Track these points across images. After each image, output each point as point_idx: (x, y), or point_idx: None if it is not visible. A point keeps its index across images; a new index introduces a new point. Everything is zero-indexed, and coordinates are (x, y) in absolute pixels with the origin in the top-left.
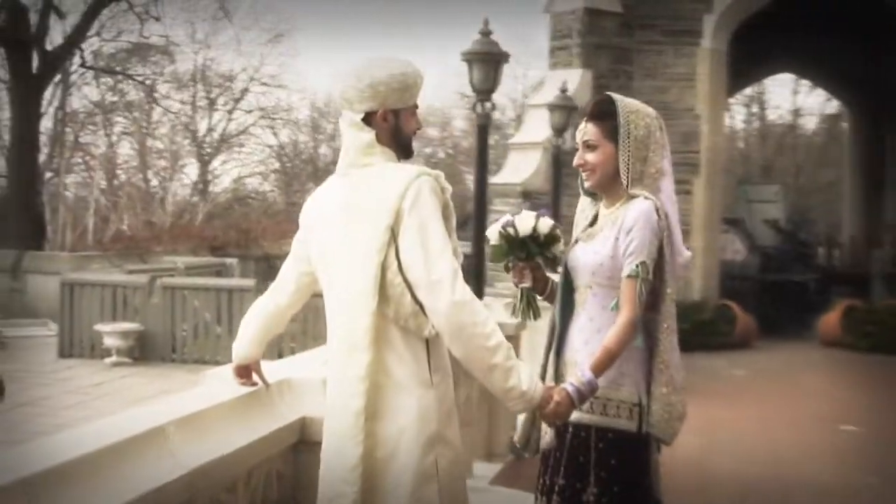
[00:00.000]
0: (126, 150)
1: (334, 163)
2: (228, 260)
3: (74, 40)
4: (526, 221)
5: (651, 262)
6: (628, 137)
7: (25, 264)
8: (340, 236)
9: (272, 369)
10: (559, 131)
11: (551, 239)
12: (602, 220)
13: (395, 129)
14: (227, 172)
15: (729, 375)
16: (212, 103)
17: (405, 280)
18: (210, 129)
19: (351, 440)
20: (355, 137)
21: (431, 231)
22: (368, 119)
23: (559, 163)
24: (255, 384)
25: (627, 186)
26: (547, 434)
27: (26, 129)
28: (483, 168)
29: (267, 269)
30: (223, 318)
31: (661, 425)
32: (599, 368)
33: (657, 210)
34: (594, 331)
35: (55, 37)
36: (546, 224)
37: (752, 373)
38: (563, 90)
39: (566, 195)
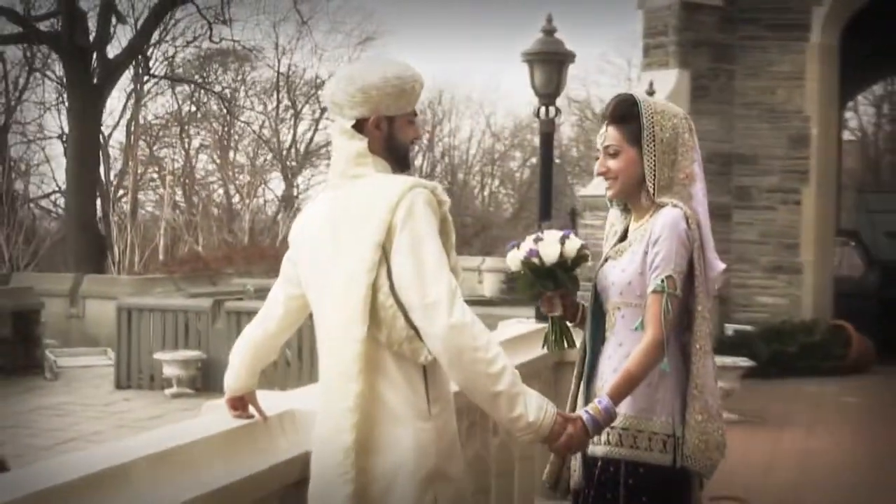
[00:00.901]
0: (205, 163)
1: (429, 175)
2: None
3: (137, 46)
4: (551, 248)
5: (679, 276)
6: (653, 141)
7: (84, 288)
8: (328, 255)
9: (275, 400)
10: (546, 97)
11: (579, 260)
12: (631, 235)
13: (390, 137)
14: (313, 187)
15: (838, 403)
16: (296, 113)
17: (398, 302)
18: (295, 141)
19: (340, 478)
20: (346, 146)
21: (426, 248)
22: (360, 126)
23: (550, 142)
24: (250, 416)
25: (654, 195)
26: (576, 472)
27: (86, 143)
28: (548, 181)
29: None
30: (293, 344)
31: (696, 457)
32: (619, 394)
33: (687, 219)
34: (623, 357)
35: (120, 43)
36: (573, 247)
37: (865, 401)
38: (650, 92)
39: None
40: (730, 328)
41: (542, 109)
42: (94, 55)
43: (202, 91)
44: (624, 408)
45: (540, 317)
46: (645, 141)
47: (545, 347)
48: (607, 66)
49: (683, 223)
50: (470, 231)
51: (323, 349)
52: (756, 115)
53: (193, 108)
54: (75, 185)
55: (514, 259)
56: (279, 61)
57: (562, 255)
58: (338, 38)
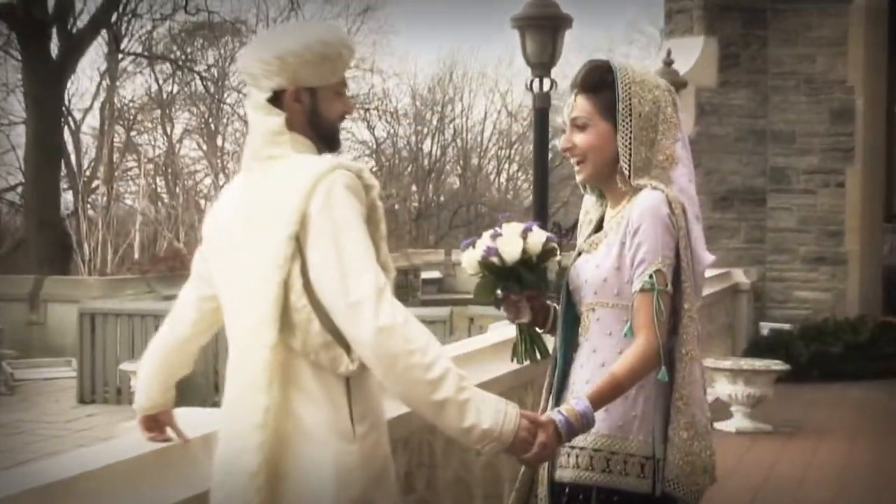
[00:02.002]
0: (189, 150)
1: (440, 160)
2: None
3: (103, 19)
4: (512, 244)
5: (668, 268)
6: (629, 114)
7: (46, 292)
8: (238, 249)
9: (200, 419)
10: (539, 66)
11: (546, 256)
12: (607, 225)
13: (313, 112)
14: None
15: (886, 411)
16: None
17: (312, 302)
18: None
19: None
20: (260, 123)
21: (348, 239)
22: (278, 100)
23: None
24: (167, 439)
25: (630, 177)
26: (542, 501)
27: (46, 129)
28: (544, 161)
29: None
30: (222, 353)
31: (680, 481)
32: (600, 400)
33: (669, 202)
34: (598, 366)
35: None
36: (537, 241)
37: None
38: (668, 62)
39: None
40: (765, 327)
41: (536, 82)
42: (54, 29)
43: (184, 70)
44: (596, 425)
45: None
46: (620, 114)
47: (514, 360)
48: (638, 36)
49: (665, 207)
50: (486, 221)
51: (231, 358)
52: (793, 87)
53: (175, 89)
54: (35, 177)
55: (470, 260)
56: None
57: (525, 251)
58: (334, 10)
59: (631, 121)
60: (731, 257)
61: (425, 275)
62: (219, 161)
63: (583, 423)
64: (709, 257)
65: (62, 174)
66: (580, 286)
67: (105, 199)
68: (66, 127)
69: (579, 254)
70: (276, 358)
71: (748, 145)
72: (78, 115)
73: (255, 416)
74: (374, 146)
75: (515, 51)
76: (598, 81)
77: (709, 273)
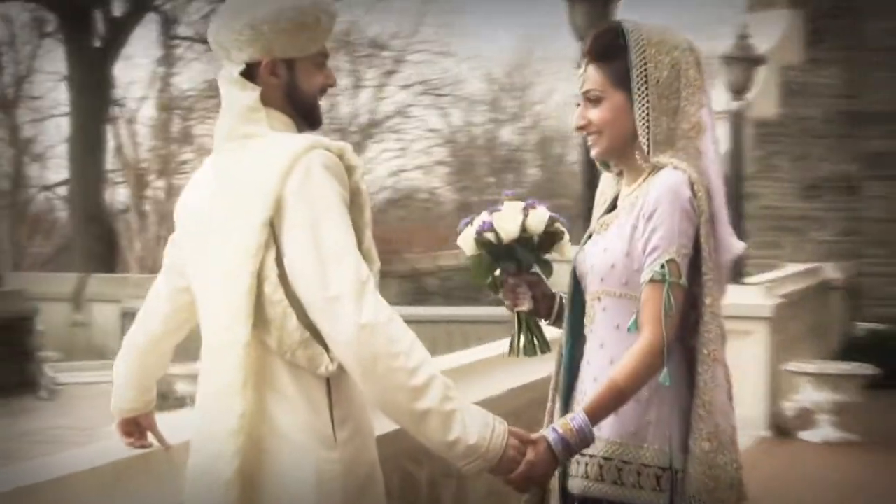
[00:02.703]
0: None
1: (519, 150)
2: None
3: (148, 1)
4: (510, 220)
5: (684, 259)
6: (646, 82)
7: (91, 291)
8: (208, 236)
9: (183, 423)
10: (737, 93)
11: (551, 238)
12: (620, 204)
13: (290, 85)
14: (380, 165)
15: None
16: (357, 78)
17: (289, 296)
18: (356, 111)
19: None
20: (234, 98)
21: (327, 225)
22: (252, 73)
23: (740, 137)
24: (148, 445)
25: (649, 152)
26: None
27: (89, 119)
28: (738, 170)
29: (414, 289)
30: None
31: (702, 497)
32: (599, 411)
33: (692, 184)
34: (606, 363)
35: None
36: (539, 218)
37: None
38: (743, 35)
39: (764, 179)
40: (860, 327)
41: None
42: (98, 13)
43: None
44: (606, 430)
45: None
46: (635, 83)
47: (511, 353)
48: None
49: (687, 189)
50: (570, 215)
51: (202, 357)
52: (889, 64)
53: None
54: (79, 170)
55: (465, 239)
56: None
57: (524, 228)
58: None
59: (647, 89)
60: (820, 251)
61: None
62: None
63: (580, 440)
64: (737, 245)
65: (116, 167)
66: (586, 272)
67: (164, 193)
68: (118, 118)
69: (590, 236)
70: (250, 357)
71: (838, 127)
72: (133, 106)
73: (229, 421)
74: (448, 135)
75: None
76: (609, 48)
77: (793, 269)
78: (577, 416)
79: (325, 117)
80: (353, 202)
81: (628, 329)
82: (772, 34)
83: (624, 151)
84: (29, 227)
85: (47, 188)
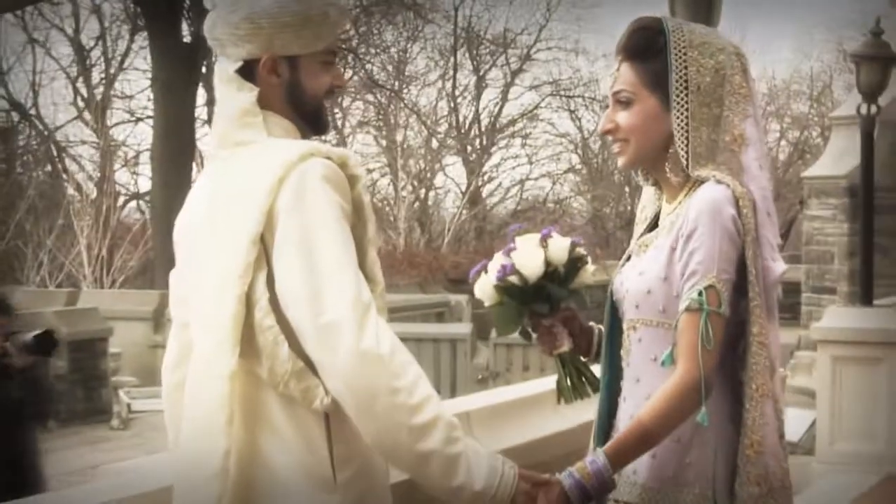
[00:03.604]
0: (364, 146)
1: None
2: (455, 298)
3: None
4: (531, 256)
5: (725, 285)
6: (685, 87)
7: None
8: (201, 258)
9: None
10: (869, 95)
11: (575, 265)
12: (662, 223)
13: (292, 86)
14: (503, 173)
15: None
16: (480, 78)
17: (281, 321)
18: (478, 114)
19: None
20: (229, 100)
21: (323, 243)
22: (250, 71)
23: (871, 144)
24: None
25: (688, 166)
26: None
27: (175, 122)
28: (868, 179)
29: None
30: (430, 375)
31: None
32: (622, 454)
33: (736, 200)
34: (642, 400)
35: None
36: (561, 247)
37: None
38: (876, 32)
39: None
40: None
41: (864, 106)
42: (186, 3)
43: (355, 54)
44: (643, 475)
45: None
46: (673, 87)
47: (560, 401)
48: None
49: (730, 206)
50: None
51: (186, 391)
52: None
53: (349, 74)
54: (163, 177)
55: (484, 288)
56: (456, 11)
57: (548, 261)
58: None
59: (687, 95)
60: None
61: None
62: (399, 159)
63: (598, 485)
64: (780, 267)
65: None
66: (622, 298)
67: None
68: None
69: (628, 258)
70: (236, 389)
71: None
72: None
73: (212, 461)
74: (580, 140)
75: (748, 23)
76: (646, 46)
77: None
78: (598, 458)
79: (443, 120)
80: (356, 217)
81: (662, 363)
82: None
83: (655, 162)
84: (113, 239)
85: (136, 197)
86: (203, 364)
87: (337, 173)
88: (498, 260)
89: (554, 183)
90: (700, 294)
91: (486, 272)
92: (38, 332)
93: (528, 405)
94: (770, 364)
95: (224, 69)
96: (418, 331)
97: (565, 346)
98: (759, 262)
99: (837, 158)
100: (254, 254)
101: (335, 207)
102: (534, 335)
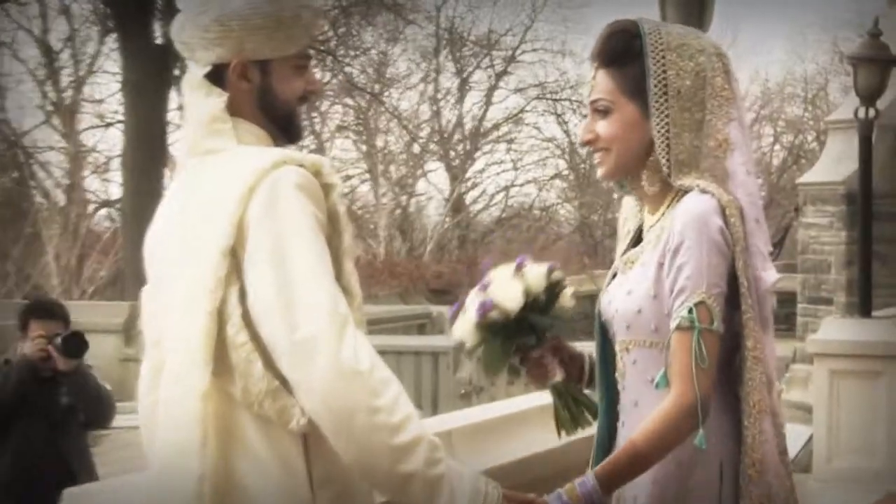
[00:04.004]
0: (343, 151)
1: None
2: (437, 309)
3: None
4: (510, 289)
5: (717, 299)
6: (665, 92)
7: None
8: (170, 269)
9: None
10: (867, 98)
11: (554, 291)
12: (646, 237)
13: (264, 91)
14: (487, 179)
15: None
16: (464, 81)
17: (254, 337)
18: (461, 118)
19: None
20: (198, 106)
21: (297, 254)
22: (220, 76)
23: (869, 148)
24: None
25: (670, 174)
26: None
27: (146, 125)
28: (867, 185)
29: None
30: (411, 390)
31: None
32: (613, 476)
33: (723, 209)
34: (641, 421)
35: None
36: (537, 274)
37: None
38: (875, 33)
39: None
40: None
41: (862, 110)
42: (158, 4)
43: (333, 56)
44: (643, 499)
45: None
46: (652, 92)
47: (561, 433)
48: None
49: (717, 217)
50: None
51: (160, 411)
52: None
53: (327, 77)
54: (134, 185)
55: (465, 330)
56: (438, 12)
57: (527, 291)
58: None
59: (667, 100)
60: None
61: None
62: (380, 165)
63: None
64: (772, 276)
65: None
66: (611, 318)
67: None
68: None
69: (614, 275)
70: (209, 409)
71: None
72: None
73: (185, 485)
74: (566, 145)
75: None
76: (622, 51)
77: None
78: (587, 480)
79: (425, 125)
80: (332, 227)
81: (656, 385)
82: None
83: (636, 172)
84: (82, 248)
85: (107, 204)
86: (175, 383)
87: (311, 181)
88: (475, 298)
89: (540, 189)
90: (690, 311)
91: (464, 312)
92: (65, 333)
93: (514, 423)
94: (767, 379)
95: (193, 74)
96: (399, 343)
97: (558, 376)
98: (750, 272)
99: (834, 164)
100: (225, 267)
101: (309, 217)
102: (523, 370)
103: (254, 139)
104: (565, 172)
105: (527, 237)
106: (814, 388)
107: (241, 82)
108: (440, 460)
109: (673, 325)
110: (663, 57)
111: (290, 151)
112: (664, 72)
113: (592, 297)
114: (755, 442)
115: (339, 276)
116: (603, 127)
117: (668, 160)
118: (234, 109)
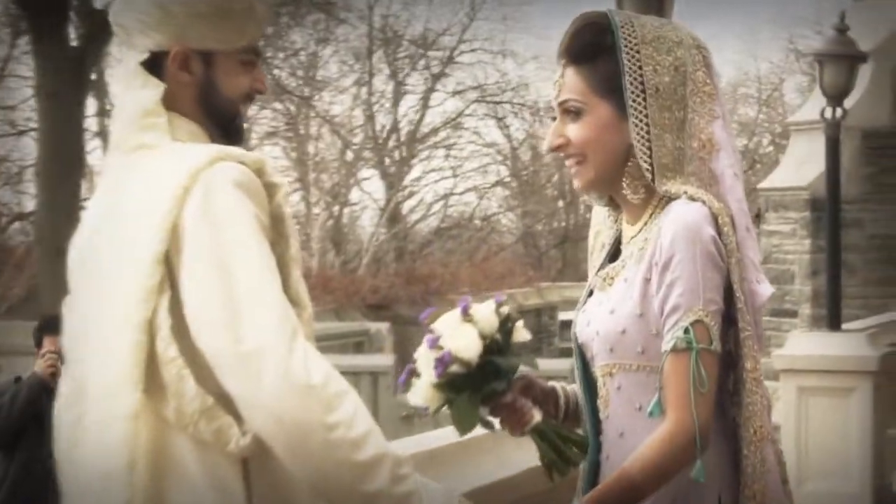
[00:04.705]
0: (276, 158)
1: None
2: (375, 325)
3: None
4: (464, 335)
5: (714, 317)
6: (642, 90)
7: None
8: (95, 277)
9: None
10: (834, 97)
11: (507, 326)
12: (626, 250)
13: (206, 86)
14: (425, 187)
15: None
16: (399, 83)
17: (184, 352)
18: (397, 122)
19: None
20: (129, 97)
21: (241, 259)
22: (158, 65)
23: (837, 151)
24: None
25: (653, 180)
26: None
27: (61, 134)
28: (834, 190)
29: None
30: None
31: None
32: None
33: (714, 218)
34: (628, 453)
35: None
36: (487, 313)
37: None
38: (841, 28)
39: (872, 202)
40: None
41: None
42: (73, 4)
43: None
44: None
45: None
46: (628, 90)
47: (553, 476)
48: None
49: (709, 227)
50: None
51: (84, 435)
52: None
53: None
54: (48, 197)
55: (424, 393)
56: (371, 11)
57: (483, 334)
58: None
59: (645, 99)
60: None
61: (564, 315)
62: (311, 173)
63: None
64: (766, 290)
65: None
66: (591, 339)
67: None
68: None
69: (590, 293)
70: (140, 432)
71: None
72: None
73: None
74: (508, 151)
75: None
76: (593, 46)
77: None
78: None
79: (358, 130)
80: (276, 231)
81: (649, 413)
82: (881, 28)
83: (615, 179)
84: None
85: (20, 217)
86: (101, 403)
87: (252, 180)
88: (426, 357)
89: (481, 197)
90: (687, 331)
91: (418, 376)
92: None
93: (464, 450)
94: (767, 402)
95: (127, 61)
96: (335, 363)
97: (536, 418)
98: (745, 286)
99: (797, 168)
100: (158, 275)
101: (251, 218)
102: (495, 420)
103: (189, 137)
104: (507, 179)
105: (467, 248)
106: (781, 407)
107: (181, 73)
108: (407, 476)
109: (667, 346)
110: (638, 51)
111: (228, 148)
112: (640, 68)
113: (539, 311)
114: (756, 472)
115: (286, 285)
116: (574, 130)
117: (650, 165)
118: (169, 103)
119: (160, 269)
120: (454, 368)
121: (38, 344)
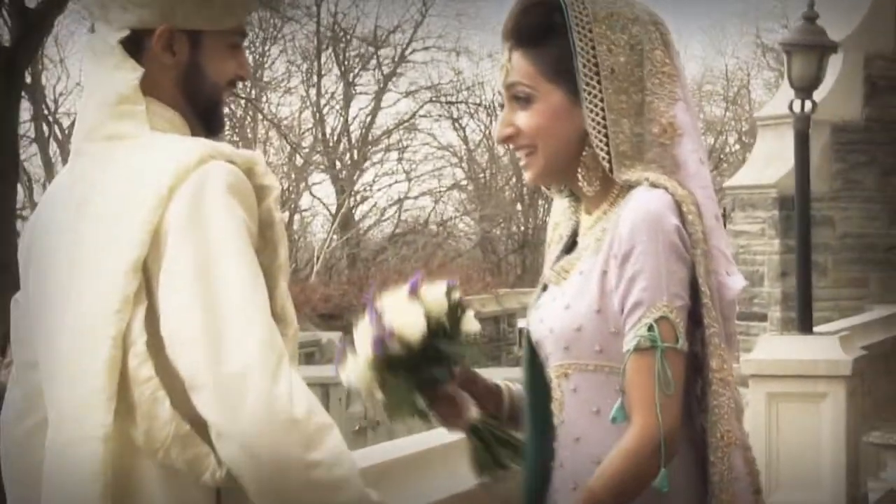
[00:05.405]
0: None
1: None
2: (326, 335)
3: None
4: (409, 313)
5: (679, 313)
6: (596, 72)
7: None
8: (60, 281)
9: None
10: (803, 90)
11: (457, 311)
12: (582, 242)
13: (191, 69)
14: (378, 191)
15: None
16: (349, 84)
17: (160, 371)
18: (347, 124)
19: None
20: (103, 80)
21: (227, 274)
22: (138, 45)
23: (807, 146)
24: None
25: (611, 169)
26: None
27: None
28: (804, 188)
29: None
30: None
31: None
32: None
33: (678, 205)
34: (588, 463)
35: None
36: (437, 296)
37: None
38: (809, 16)
39: (843, 200)
40: None
41: (797, 103)
42: (3, 3)
43: None
44: None
45: None
46: (581, 73)
47: (481, 476)
48: None
49: (672, 216)
50: None
51: (46, 459)
52: None
53: None
54: None
55: (358, 372)
56: (319, 7)
57: (429, 315)
58: None
59: (600, 82)
60: None
61: (523, 322)
62: None
63: None
64: (738, 282)
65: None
66: (544, 338)
67: None
68: (51, 137)
69: (545, 288)
70: (110, 458)
71: None
72: (66, 123)
73: None
74: (464, 153)
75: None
76: (540, 27)
77: (881, 312)
78: None
79: (307, 133)
80: (263, 238)
81: (612, 419)
82: (852, 17)
83: (569, 169)
84: None
85: None
86: (69, 423)
87: (242, 182)
88: (365, 332)
89: (436, 202)
90: (650, 329)
91: (353, 351)
92: None
93: (416, 463)
94: (736, 405)
95: (101, 39)
96: None
97: (473, 413)
98: (712, 279)
99: (764, 165)
100: (135, 284)
101: (240, 227)
102: (430, 411)
103: (168, 126)
104: (464, 182)
105: (423, 255)
106: (750, 414)
107: (165, 55)
108: None
109: (629, 346)
110: (590, 31)
111: (218, 144)
112: (593, 48)
113: (497, 319)
114: (724, 480)
115: (271, 298)
116: (524, 119)
117: (606, 153)
118: (147, 88)
119: (138, 277)
120: (394, 347)
121: (3, 352)
